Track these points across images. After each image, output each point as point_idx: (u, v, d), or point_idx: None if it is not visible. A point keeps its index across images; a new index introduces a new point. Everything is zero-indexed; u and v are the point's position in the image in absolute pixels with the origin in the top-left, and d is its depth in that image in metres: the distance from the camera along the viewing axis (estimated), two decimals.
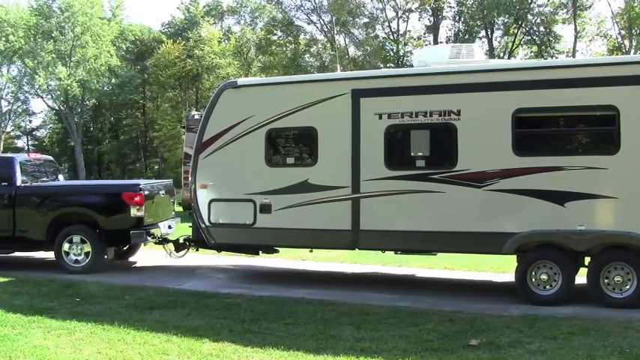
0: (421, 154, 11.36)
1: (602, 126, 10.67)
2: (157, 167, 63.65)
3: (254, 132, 12.19)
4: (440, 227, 11.12)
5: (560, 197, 10.37)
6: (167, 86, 60.28)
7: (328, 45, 57.62)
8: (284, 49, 59.08)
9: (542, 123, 11.20)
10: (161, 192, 14.69)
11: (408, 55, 57.10)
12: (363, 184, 11.52)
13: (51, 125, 72.44)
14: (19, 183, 14.02)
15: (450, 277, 13.46)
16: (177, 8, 68.58)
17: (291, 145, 12.72)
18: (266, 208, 12.09)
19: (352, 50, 58.07)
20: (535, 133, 11.13)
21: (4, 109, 63.27)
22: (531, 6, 52.40)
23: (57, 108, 61.91)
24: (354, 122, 11.61)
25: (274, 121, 12.09)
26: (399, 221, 11.45)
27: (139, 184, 13.83)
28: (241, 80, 12.88)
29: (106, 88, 61.55)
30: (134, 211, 13.40)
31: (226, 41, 61.47)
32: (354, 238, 11.68)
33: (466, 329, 8.86)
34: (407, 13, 56.42)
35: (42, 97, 62.01)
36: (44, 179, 15.12)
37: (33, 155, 16.03)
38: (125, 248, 15.27)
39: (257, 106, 12.28)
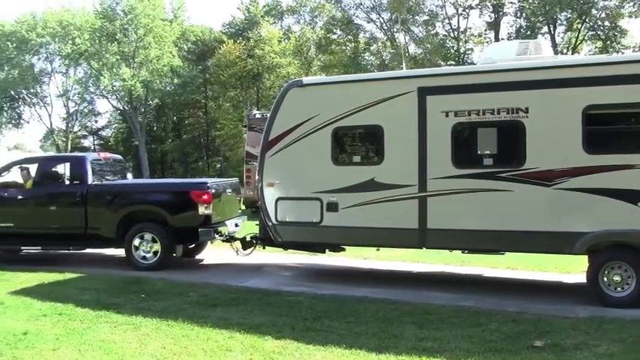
0: (488, 152, 11.22)
1: None
2: (218, 166, 64.22)
3: (320, 130, 12.24)
4: (508, 226, 10.96)
5: (632, 196, 10.11)
6: (228, 86, 60.75)
7: (388, 43, 57.34)
8: (344, 47, 58.90)
9: (614, 120, 10.89)
10: (228, 190, 14.87)
11: (469, 52, 56.67)
12: (429, 182, 11.46)
13: (116, 125, 73.84)
14: (90, 182, 14.35)
15: (513, 276, 13.28)
16: (238, 8, 69.35)
17: (358, 143, 12.75)
18: (333, 207, 12.12)
19: (412, 48, 57.70)
20: (606, 130, 10.82)
21: (72, 110, 64.79)
22: (595, 0, 51.35)
23: (121, 108, 63.19)
24: (420, 120, 11.55)
25: (340, 119, 12.11)
26: (467, 220, 11.31)
27: (206, 183, 14.03)
28: (307, 79, 12.95)
29: (168, 88, 62.51)
30: (202, 209, 13.60)
31: (286, 41, 61.65)
32: (421, 237, 11.62)
33: (530, 330, 8.73)
34: (467, 10, 55.67)
35: (107, 98, 63.41)
36: (113, 178, 15.48)
37: (103, 154, 16.45)
38: (192, 246, 15.47)
39: (323, 104, 12.32)
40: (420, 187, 11.51)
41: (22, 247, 14.94)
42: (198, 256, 15.67)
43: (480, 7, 55.22)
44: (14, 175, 15.60)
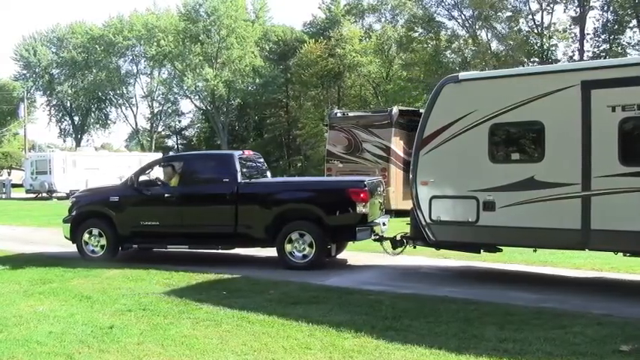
0: None
1: None
2: (299, 165, 64.57)
3: (476, 127, 11.94)
4: None
5: None
6: (309, 85, 61.16)
7: (470, 40, 56.83)
8: (425, 45, 58.53)
9: None
10: (379, 189, 14.78)
11: (553, 48, 55.78)
12: (594, 180, 11.01)
13: (198, 125, 75.07)
14: (240, 180, 14.34)
15: (599, 276, 12.86)
16: (319, 8, 69.51)
17: (516, 140, 12.36)
18: (489, 206, 11.83)
19: (494, 45, 57.11)
20: None
21: (156, 110, 66.02)
22: None
23: (204, 108, 64.32)
24: (584, 115, 11.11)
25: (498, 115, 11.79)
26: (635, 221, 10.68)
27: (364, 181, 13.95)
28: (463, 74, 12.69)
29: (250, 88, 63.32)
30: (360, 208, 13.49)
31: (367, 39, 61.70)
32: (584, 238, 11.11)
33: (616, 333, 8.30)
34: (551, 5, 54.78)
35: (190, 98, 64.64)
36: (257, 175, 15.48)
37: (247, 152, 16.35)
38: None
39: (479, 100, 12.03)
40: (584, 185, 11.10)
41: (168, 246, 14.91)
42: (339, 256, 15.29)
43: (565, 1, 54.28)
44: (156, 174, 15.80)
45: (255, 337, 8.44)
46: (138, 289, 11.46)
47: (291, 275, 12.83)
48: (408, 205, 19.44)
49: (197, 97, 63.17)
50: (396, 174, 24.47)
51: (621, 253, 11.70)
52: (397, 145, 25.37)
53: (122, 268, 13.46)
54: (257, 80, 61.46)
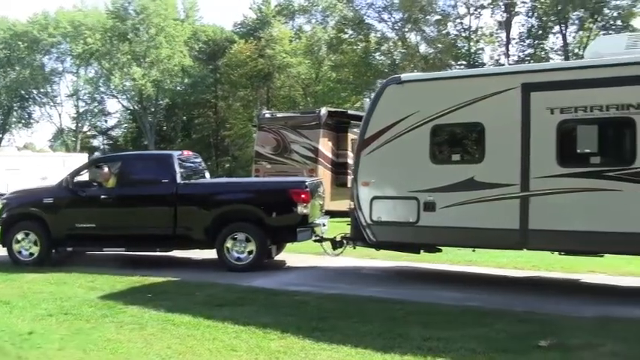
0: (596, 150, 11.01)
1: None
2: (227, 165, 64.12)
3: (418, 128, 12.05)
4: (616, 228, 10.60)
5: None
6: (239, 85, 60.89)
7: (399, 43, 57.36)
8: (355, 47, 58.81)
9: None
10: (319, 189, 14.73)
11: (480, 52, 56.74)
12: (532, 181, 11.21)
13: (125, 125, 73.71)
14: (179, 180, 14.14)
15: (521, 275, 13.30)
16: (250, 8, 69.12)
17: (457, 141, 12.56)
18: (430, 206, 11.93)
19: (423, 48, 57.78)
20: None
21: (82, 110, 64.72)
22: None
23: (131, 108, 63.26)
24: (523, 117, 11.29)
25: (439, 117, 11.91)
26: (572, 221, 10.96)
27: (305, 181, 13.92)
28: (405, 76, 12.76)
29: (179, 88, 62.69)
30: (301, 209, 13.44)
31: (297, 40, 61.70)
32: (522, 238, 11.34)
33: (536, 330, 8.65)
34: (479, 10, 55.72)
35: (117, 98, 63.61)
36: (195, 176, 15.27)
37: (186, 152, 16.19)
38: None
39: (421, 101, 12.14)
40: (523, 186, 11.28)
41: (104, 249, 14.65)
42: (280, 258, 15.32)
43: (491, 6, 55.21)
44: (91, 174, 15.44)
45: (181, 340, 8.36)
46: (60, 293, 11.21)
47: (217, 277, 12.78)
48: (336, 206, 19.64)
49: (124, 96, 62.15)
50: (324, 175, 24.47)
51: (557, 253, 11.92)
52: (325, 146, 25.64)
53: (44, 272, 13.15)
54: (186, 80, 60.86)
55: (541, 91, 11.28)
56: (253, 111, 55.07)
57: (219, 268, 13.74)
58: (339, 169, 26.25)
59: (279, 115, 29.75)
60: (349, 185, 24.57)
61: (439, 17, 55.99)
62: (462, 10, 55.94)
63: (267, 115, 28.83)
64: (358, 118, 26.39)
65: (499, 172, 11.54)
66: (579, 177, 10.95)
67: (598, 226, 10.81)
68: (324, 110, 26.63)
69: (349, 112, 29.75)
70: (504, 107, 11.54)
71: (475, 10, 55.65)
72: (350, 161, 25.54)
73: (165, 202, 14.03)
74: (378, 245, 12.91)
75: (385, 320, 9.26)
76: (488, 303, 10.45)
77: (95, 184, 15.03)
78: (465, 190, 11.72)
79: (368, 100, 51.37)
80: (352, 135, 26.39)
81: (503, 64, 52.25)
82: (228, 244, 13.64)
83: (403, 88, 12.34)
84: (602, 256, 11.78)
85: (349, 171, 25.11)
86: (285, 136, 26.29)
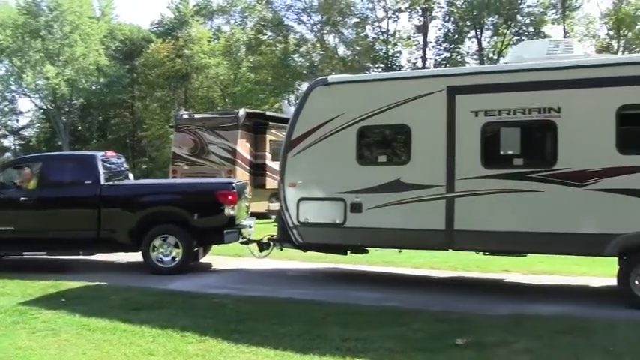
0: (519, 152, 11.30)
1: None
2: (144, 167, 63.09)
3: (345, 130, 12.11)
4: (538, 228, 10.90)
5: None
6: (156, 86, 60.07)
7: (318, 45, 57.59)
8: (273, 49, 58.79)
9: None
10: (245, 191, 14.61)
11: (397, 55, 57.45)
12: (457, 183, 11.40)
13: (38, 125, 71.56)
14: (103, 182, 13.83)
15: (438, 275, 13.63)
16: (167, 7, 68.30)
17: (383, 143, 12.65)
18: (357, 208, 11.99)
19: (342, 50, 58.15)
20: None
21: None
22: (521, 6, 52.88)
23: (45, 107, 61.49)
24: (449, 120, 11.49)
25: (366, 118, 12.00)
26: (496, 221, 11.24)
27: (232, 183, 13.79)
28: (332, 77, 12.81)
29: (94, 88, 61.20)
30: (228, 210, 13.32)
31: (216, 41, 61.24)
32: (448, 239, 11.54)
33: (453, 328, 8.87)
34: (397, 13, 56.43)
35: (29, 97, 61.70)
36: (119, 178, 14.91)
37: (109, 153, 15.77)
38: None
39: (348, 103, 12.21)
40: (448, 187, 11.45)
41: (24, 254, 14.18)
42: (202, 260, 15.14)
43: (409, 10, 56.04)
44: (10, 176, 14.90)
45: (96, 345, 8.17)
46: None
47: (135, 280, 12.60)
48: (254, 207, 19.55)
49: (37, 95, 60.38)
50: (242, 176, 24.45)
51: (482, 253, 12.16)
52: (243, 148, 25.69)
53: None
54: (101, 79, 59.45)
55: (466, 94, 11.47)
56: (171, 112, 54.30)
57: (138, 271, 13.56)
58: (257, 170, 26.30)
59: (196, 116, 29.67)
60: (267, 187, 24.90)
61: (358, 20, 56.57)
62: (381, 13, 56.67)
63: (185, 116, 28.70)
64: (276, 119, 26.63)
65: (425, 173, 11.69)
66: (503, 178, 11.18)
67: (521, 226, 11.09)
68: (242, 111, 26.67)
69: (267, 113, 29.85)
70: (430, 109, 11.69)
71: (393, 13, 56.45)
72: (268, 163, 25.66)
73: (88, 204, 13.71)
74: (305, 246, 12.93)
75: (304, 321, 9.29)
76: (406, 303, 10.63)
77: (15, 185, 14.52)
78: (391, 191, 11.83)
79: (286, 101, 52.05)
80: (270, 136, 26.47)
81: (420, 68, 53.03)
82: (154, 246, 13.45)
83: (330, 89, 12.37)
84: (524, 256, 12.07)
85: (267, 172, 25.29)
86: (203, 137, 26.23)
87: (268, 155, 26.75)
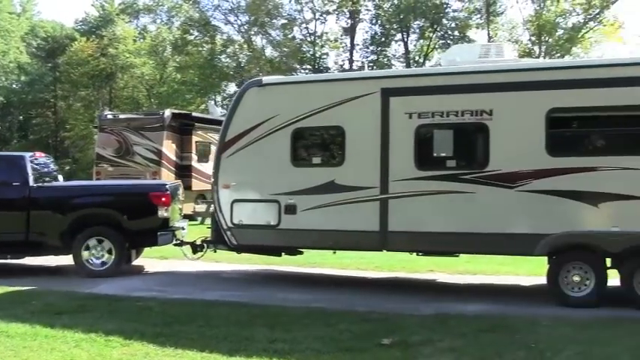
0: (452, 154, 11.50)
1: (638, 126, 10.70)
2: (67, 168, 61.70)
3: (279, 131, 12.11)
4: (471, 228, 11.14)
5: (594, 198, 10.51)
6: (80, 85, 58.67)
7: (245, 46, 57.33)
8: (200, 49, 58.29)
9: (577, 123, 11.42)
10: (179, 192, 14.39)
11: (325, 57, 57.63)
12: (391, 184, 11.52)
13: None
14: (32, 183, 13.44)
15: (364, 276, 13.82)
16: (92, 5, 66.68)
17: (318, 144, 12.70)
18: (291, 209, 11.99)
19: (269, 51, 58.02)
20: (569, 133, 11.33)
21: None
22: (446, 10, 53.73)
23: None
24: (383, 121, 11.61)
25: (300, 120, 12.04)
26: (429, 222, 11.44)
27: (166, 184, 13.59)
28: (266, 79, 12.80)
29: (14, 86, 59.68)
30: (162, 212, 13.12)
31: (141, 40, 60.34)
32: (382, 240, 11.67)
33: (379, 328, 9.03)
34: (324, 15, 56.56)
35: None
36: (48, 179, 14.48)
37: (38, 153, 15.35)
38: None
39: (282, 104, 12.22)
40: (382, 189, 11.57)
41: None
42: (134, 263, 14.86)
43: (337, 12, 56.20)
44: None
45: (15, 352, 7.91)
46: None
47: (58, 284, 12.30)
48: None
49: None
50: (168, 178, 24.21)
51: (416, 253, 12.37)
52: (169, 149, 25.41)
53: None
54: (22, 78, 58.10)
55: (400, 96, 11.61)
56: (95, 112, 53.25)
57: (64, 275, 13.31)
58: (183, 172, 25.96)
59: (121, 116, 29.26)
60: (193, 188, 24.68)
61: (285, 21, 56.44)
62: (308, 15, 56.65)
63: (109, 116, 28.33)
64: (203, 120, 26.39)
65: (359, 175, 11.77)
66: (436, 180, 11.37)
67: (454, 227, 11.30)
68: (167, 112, 26.36)
69: (194, 114, 29.60)
70: (364, 111, 11.78)
71: (321, 15, 56.48)
72: (194, 164, 25.43)
73: (16, 206, 13.33)
74: (240, 248, 12.90)
75: (231, 324, 9.27)
76: (332, 304, 10.71)
77: None
78: (325, 192, 11.88)
79: (213, 102, 51.61)
80: (196, 137, 26.24)
81: (347, 70, 53.32)
82: (86, 249, 13.16)
83: (264, 90, 12.35)
84: (457, 256, 12.32)
85: (193, 174, 25.06)
86: (128, 137, 25.80)
87: (194, 156, 26.50)
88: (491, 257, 13.17)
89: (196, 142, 26.69)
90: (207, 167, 25.82)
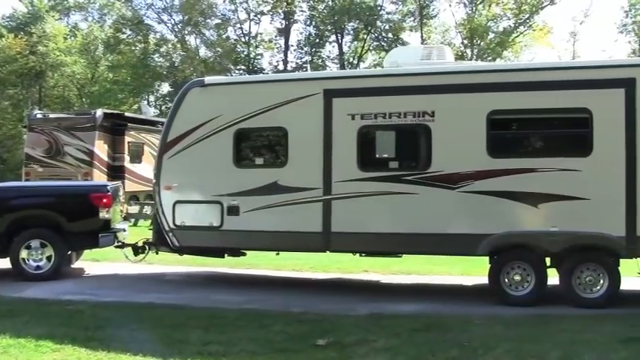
0: (394, 155, 11.62)
1: (576, 128, 10.99)
2: None
3: (222, 132, 12.01)
4: (414, 229, 11.26)
5: (533, 199, 10.74)
6: (7, 83, 57.04)
7: (178, 45, 56.88)
8: (133, 48, 57.61)
9: (517, 125, 11.62)
10: (119, 194, 14.14)
11: (259, 57, 57.56)
12: (334, 185, 11.55)
13: None
14: None
15: (298, 276, 13.93)
16: (20, 1, 65.19)
17: (261, 145, 12.67)
18: (234, 210, 11.91)
19: (203, 51, 57.68)
20: (509, 134, 11.53)
21: None
22: (380, 13, 54.25)
23: None
24: (326, 123, 11.63)
25: (243, 120, 11.96)
26: (372, 223, 11.50)
27: (107, 185, 13.33)
28: (209, 79, 12.71)
29: None
30: (103, 214, 12.86)
31: (72, 38, 59.13)
32: (325, 241, 11.70)
33: (314, 329, 9.08)
34: (259, 16, 56.56)
35: None
36: None
37: None
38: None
39: (225, 105, 12.14)
40: (325, 190, 11.59)
41: None
42: (73, 266, 14.54)
43: (271, 13, 56.23)
44: None
45: None
46: None
47: None
48: None
49: None
50: (100, 179, 23.93)
51: (359, 254, 12.43)
52: (101, 149, 25.07)
53: None
54: None
55: (343, 97, 11.65)
56: (24, 111, 52.14)
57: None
58: (115, 172, 25.56)
59: (52, 115, 28.65)
60: (126, 189, 24.33)
61: (219, 21, 56.29)
62: (243, 15, 56.61)
63: (39, 116, 27.83)
64: (136, 120, 26.05)
65: (302, 176, 11.78)
66: (379, 181, 11.44)
67: (397, 228, 11.41)
68: (99, 112, 26.06)
69: (126, 114, 29.24)
70: (307, 112, 11.79)
71: (255, 15, 56.49)
72: (127, 165, 25.11)
73: None
74: (182, 250, 12.77)
75: (165, 326, 9.18)
76: (267, 305, 10.73)
77: None
78: (268, 193, 11.85)
79: (146, 102, 50.98)
80: (129, 138, 25.91)
81: (282, 71, 53.38)
82: (24, 252, 12.81)
83: (206, 91, 12.25)
84: (400, 257, 12.42)
85: (126, 175, 24.72)
86: (59, 138, 25.31)
87: (127, 157, 26.12)
88: (425, 257, 13.30)
89: (129, 142, 26.31)
90: (140, 168, 25.70)
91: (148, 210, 21.94)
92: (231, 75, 50.65)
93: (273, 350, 8.04)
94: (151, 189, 25.51)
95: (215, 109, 12.09)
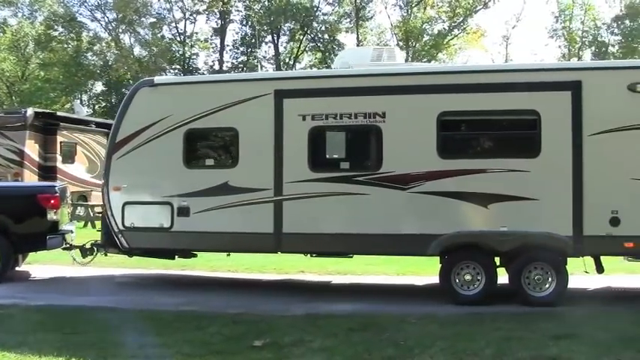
0: (345, 156, 11.67)
1: (524, 130, 11.22)
2: None
3: (172, 132, 11.88)
4: (365, 230, 11.28)
5: (483, 199, 10.89)
6: None
7: (112, 44, 56.05)
8: (65, 45, 56.49)
9: (467, 126, 11.77)
10: (67, 194, 13.82)
11: (194, 57, 57.14)
12: (285, 186, 11.52)
13: None
14: None
15: (236, 277, 13.95)
16: None
17: (211, 146, 12.53)
18: (184, 211, 11.79)
19: (137, 50, 56.96)
20: (459, 136, 11.64)
21: None
22: (317, 14, 54.40)
23: None
24: (276, 123, 11.60)
25: (193, 121, 11.85)
26: (323, 224, 11.51)
27: (55, 186, 13.00)
28: (158, 78, 12.58)
29: None
30: (51, 215, 12.58)
31: (1, 34, 57.67)
32: (277, 242, 11.66)
33: (251, 330, 9.12)
34: (194, 15, 56.19)
35: None
36: None
37: None
38: None
39: (175, 105, 12.00)
40: (276, 190, 11.54)
41: None
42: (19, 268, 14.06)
43: (207, 12, 55.93)
44: None
45: None
46: None
47: None
48: None
49: None
50: (31, 179, 23.41)
51: (310, 255, 12.42)
52: (32, 149, 24.51)
53: None
54: None
55: (293, 98, 11.64)
56: None
57: None
58: (47, 173, 25.01)
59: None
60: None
61: (154, 20, 55.69)
62: (178, 14, 56.18)
63: None
64: (68, 120, 25.55)
65: (253, 176, 11.72)
66: (330, 182, 11.44)
67: (348, 228, 11.43)
68: (30, 111, 25.28)
69: (58, 113, 28.56)
70: (258, 113, 11.74)
71: (191, 15, 56.10)
72: (59, 165, 24.61)
73: None
74: (132, 252, 12.60)
75: (99, 330, 9.06)
76: (203, 307, 10.68)
77: None
78: (219, 194, 11.77)
79: (78, 101, 50.03)
80: (61, 138, 25.40)
81: (218, 71, 53.11)
82: None
83: (156, 90, 12.12)
84: (351, 257, 12.46)
85: (58, 175, 24.21)
86: None
87: (59, 157, 25.56)
88: (361, 258, 13.23)
89: (61, 142, 25.76)
90: (73, 168, 25.22)
91: (80, 211, 21.72)
92: (166, 75, 50.25)
93: (209, 352, 7.97)
94: (84, 190, 25.37)
95: (165, 109, 11.94)
